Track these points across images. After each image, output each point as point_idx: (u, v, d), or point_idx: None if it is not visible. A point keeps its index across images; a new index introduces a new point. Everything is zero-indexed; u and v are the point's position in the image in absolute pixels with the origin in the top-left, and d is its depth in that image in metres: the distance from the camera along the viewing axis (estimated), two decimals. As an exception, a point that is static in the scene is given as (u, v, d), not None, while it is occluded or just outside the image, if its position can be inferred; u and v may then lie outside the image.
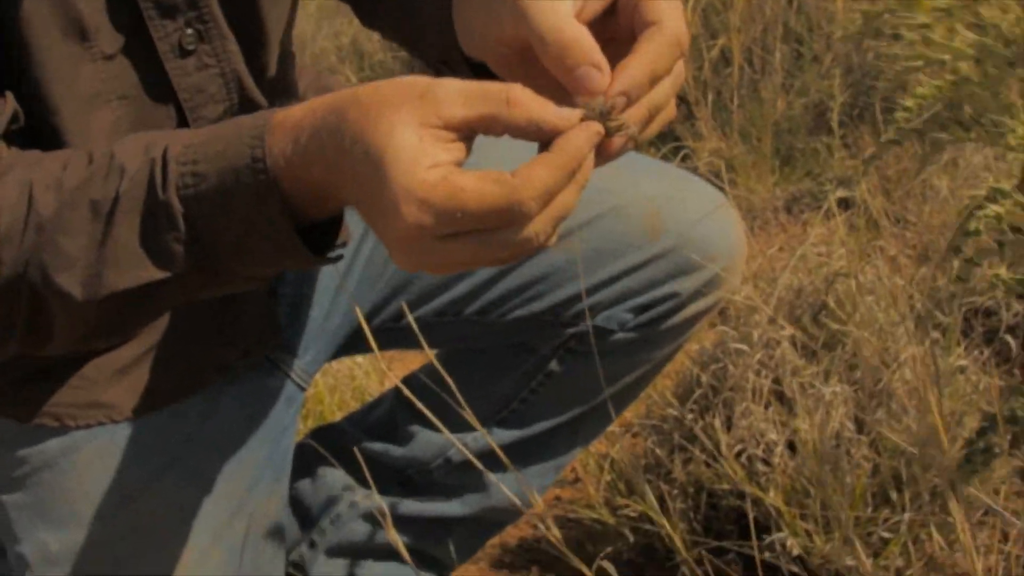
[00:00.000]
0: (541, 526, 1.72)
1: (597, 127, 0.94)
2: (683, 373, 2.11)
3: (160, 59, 1.23)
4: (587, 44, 0.97)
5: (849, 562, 1.81)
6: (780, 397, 1.96)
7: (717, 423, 1.95)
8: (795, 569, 1.85)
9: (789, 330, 1.94)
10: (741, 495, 1.91)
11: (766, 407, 1.93)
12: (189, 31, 1.23)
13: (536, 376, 1.68)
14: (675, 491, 2.03)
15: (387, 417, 1.80)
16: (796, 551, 1.83)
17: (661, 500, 2.06)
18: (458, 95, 0.93)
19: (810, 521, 1.83)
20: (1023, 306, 2.21)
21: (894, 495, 1.84)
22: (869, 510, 1.82)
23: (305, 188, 1.01)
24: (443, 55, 1.25)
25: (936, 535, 1.85)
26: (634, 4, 1.01)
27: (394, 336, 1.66)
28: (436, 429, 1.72)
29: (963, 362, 1.96)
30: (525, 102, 0.92)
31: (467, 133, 0.95)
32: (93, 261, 1.07)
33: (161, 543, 1.47)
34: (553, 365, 1.66)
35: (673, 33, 0.98)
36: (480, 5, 1.10)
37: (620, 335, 1.61)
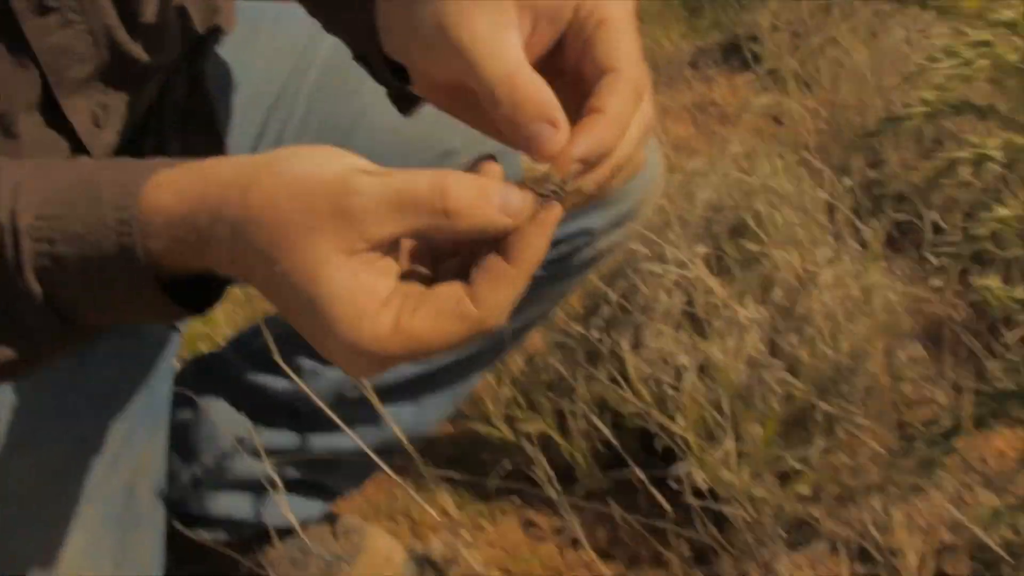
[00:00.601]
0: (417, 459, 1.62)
1: (555, 213, 0.77)
2: (591, 289, 2.00)
3: (15, 17, 1.04)
4: (542, 97, 0.79)
5: (758, 492, 1.74)
6: (693, 319, 1.86)
7: (624, 344, 1.86)
8: (699, 500, 1.78)
9: (703, 249, 1.83)
10: (647, 419, 1.83)
11: (677, 329, 1.84)
12: None
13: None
14: (578, 411, 1.93)
15: (285, 342, 1.67)
16: (703, 483, 1.76)
17: (562, 418, 1.97)
18: (383, 208, 0.76)
19: (719, 450, 1.76)
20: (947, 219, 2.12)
21: (807, 425, 1.77)
22: (781, 441, 1.74)
23: (197, 268, 0.86)
24: (361, 53, 1.09)
25: (847, 465, 1.79)
26: (585, 40, 0.84)
27: None
28: (327, 362, 1.62)
29: (882, 279, 1.87)
30: (466, 210, 0.76)
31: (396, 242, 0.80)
32: None
33: (30, 504, 1.35)
34: (454, 299, 1.54)
35: (634, 82, 0.82)
36: (414, 40, 0.91)
37: (526, 272, 1.49)
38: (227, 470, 1.69)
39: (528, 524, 1.97)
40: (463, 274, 0.78)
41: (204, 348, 2.27)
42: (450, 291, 0.77)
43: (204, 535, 1.75)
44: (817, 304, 1.79)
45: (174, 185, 0.82)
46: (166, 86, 1.24)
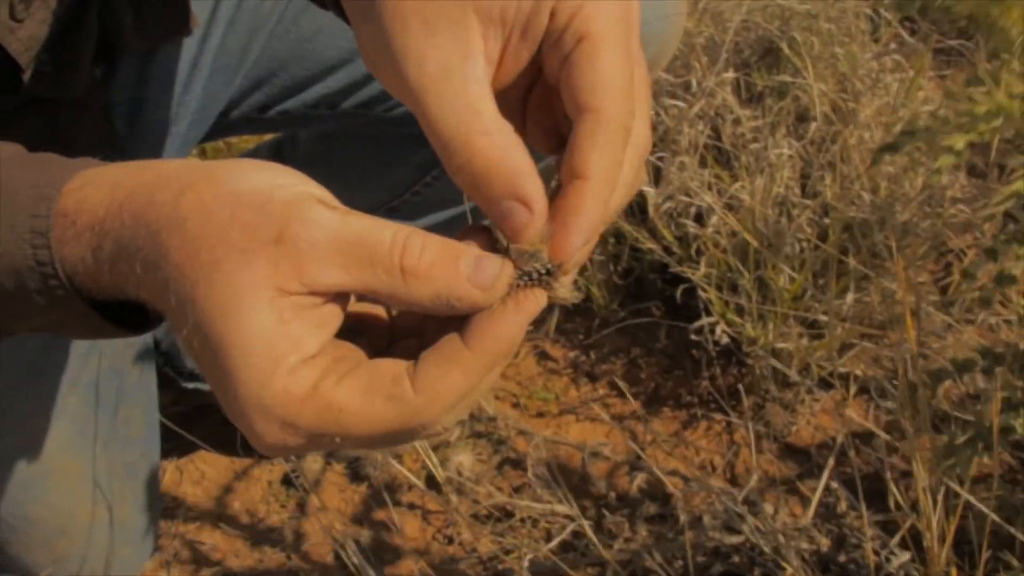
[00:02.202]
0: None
1: (538, 302, 0.63)
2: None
3: None
4: (509, 166, 0.63)
5: (783, 346, 1.65)
6: (719, 153, 1.72)
7: (646, 177, 1.72)
8: (723, 341, 1.69)
9: (732, 74, 1.66)
10: (667, 258, 1.71)
11: (702, 164, 1.69)
12: None
13: (434, 167, 1.44)
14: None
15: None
16: (723, 337, 1.66)
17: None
18: (333, 250, 0.61)
19: (743, 296, 1.65)
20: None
21: (839, 273, 1.65)
22: (809, 291, 1.63)
23: (118, 291, 0.70)
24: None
25: (879, 311, 1.69)
26: (563, 59, 0.66)
27: (259, 126, 1.41)
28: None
29: (928, 107, 1.70)
30: (425, 273, 0.61)
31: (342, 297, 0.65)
32: None
33: (3, 402, 1.28)
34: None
35: (619, 122, 0.65)
36: (365, 58, 0.71)
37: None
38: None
39: (542, 356, 1.89)
40: None
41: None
42: (390, 367, 0.63)
43: (202, 386, 1.68)
44: (855, 140, 1.64)
45: (107, 180, 0.68)
46: None
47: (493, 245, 0.64)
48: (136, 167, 0.68)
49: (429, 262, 0.62)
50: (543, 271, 0.63)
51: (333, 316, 0.64)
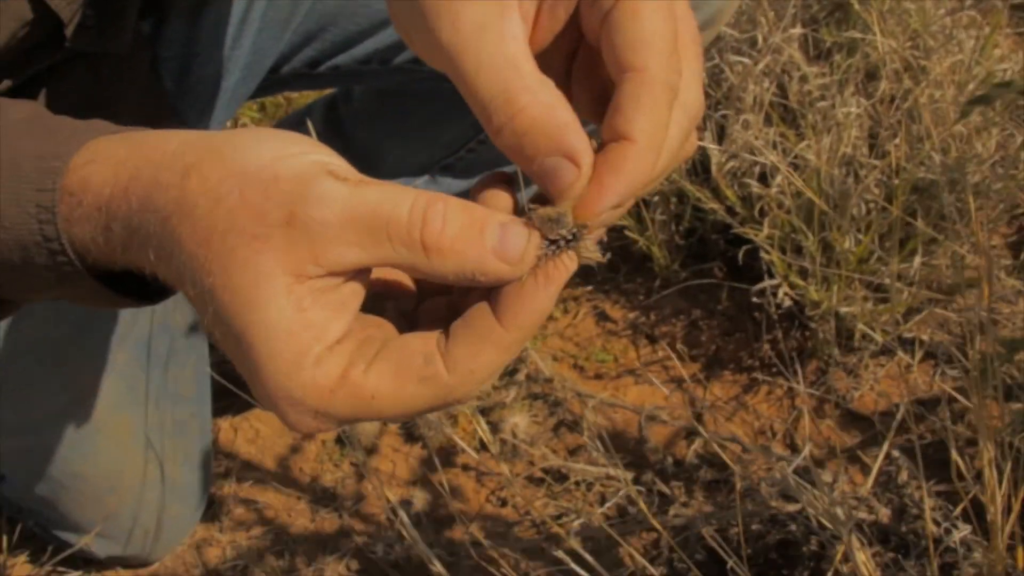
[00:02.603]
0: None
1: (567, 268, 0.59)
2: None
3: None
4: (555, 120, 0.59)
5: (848, 310, 1.60)
6: (784, 111, 1.67)
7: (708, 136, 1.68)
8: (786, 304, 1.65)
9: (800, 30, 1.61)
10: (729, 218, 1.67)
11: (766, 123, 1.65)
12: None
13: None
14: (653, 200, 1.78)
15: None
16: (786, 300, 1.62)
17: (636, 207, 1.82)
18: (350, 227, 0.58)
19: (806, 258, 1.61)
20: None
21: (906, 236, 1.60)
22: (876, 254, 1.58)
23: (135, 268, 0.67)
24: None
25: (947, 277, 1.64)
26: (604, 16, 0.62)
27: (311, 82, 1.39)
28: (373, 176, 1.50)
29: (1004, 65, 1.64)
30: (450, 248, 0.58)
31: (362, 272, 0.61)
32: None
33: (49, 358, 1.29)
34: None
35: (665, 82, 0.61)
36: (395, 17, 0.69)
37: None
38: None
39: (601, 316, 1.86)
40: (451, 318, 0.61)
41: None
42: (420, 344, 0.60)
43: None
44: (926, 98, 1.58)
45: (111, 159, 0.65)
46: None
47: (514, 195, 0.62)
48: (140, 140, 0.65)
49: (452, 235, 0.58)
50: (569, 236, 0.59)
51: (354, 294, 0.61)
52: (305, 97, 2.06)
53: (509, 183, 0.63)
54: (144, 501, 1.43)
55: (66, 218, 0.65)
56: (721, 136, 1.69)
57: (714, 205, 1.69)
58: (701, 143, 1.70)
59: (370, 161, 1.49)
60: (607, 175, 0.60)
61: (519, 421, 1.70)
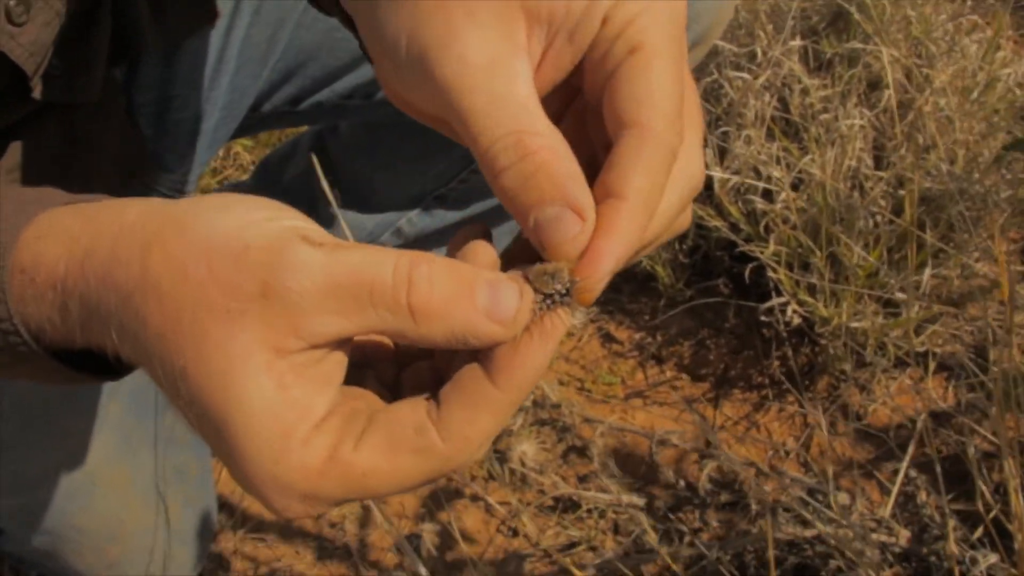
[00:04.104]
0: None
1: (562, 324, 0.56)
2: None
3: None
4: (563, 169, 0.56)
5: (858, 326, 1.57)
6: (787, 125, 1.64)
7: (709, 151, 1.65)
8: (795, 323, 1.62)
9: (799, 42, 1.58)
10: (734, 235, 1.64)
11: (769, 138, 1.62)
12: None
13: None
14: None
15: (302, 182, 1.51)
16: (795, 318, 1.59)
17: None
18: (330, 296, 0.54)
19: (814, 274, 1.58)
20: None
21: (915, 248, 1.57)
22: (884, 267, 1.55)
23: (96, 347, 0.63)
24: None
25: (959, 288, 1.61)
26: (610, 72, 0.59)
27: (294, 119, 1.36)
28: (365, 209, 1.47)
29: (1008, 70, 1.61)
30: (439, 312, 0.54)
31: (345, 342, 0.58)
32: None
33: (40, 418, 1.26)
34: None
35: (665, 144, 0.57)
36: (378, 49, 0.64)
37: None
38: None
39: (607, 338, 1.83)
40: (437, 382, 0.57)
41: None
42: (410, 414, 0.56)
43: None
44: (930, 107, 1.55)
45: (64, 233, 0.60)
46: None
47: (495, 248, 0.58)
48: (94, 213, 0.61)
49: (441, 298, 0.54)
50: (563, 291, 0.56)
51: (338, 365, 0.57)
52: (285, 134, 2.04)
53: (488, 235, 0.60)
54: (146, 548, 1.40)
55: (19, 297, 0.61)
56: (723, 154, 1.66)
57: (718, 223, 1.66)
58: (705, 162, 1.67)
59: (361, 193, 1.46)
60: (602, 238, 0.56)
61: (527, 449, 1.67)
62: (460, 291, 0.55)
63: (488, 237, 0.60)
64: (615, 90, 0.58)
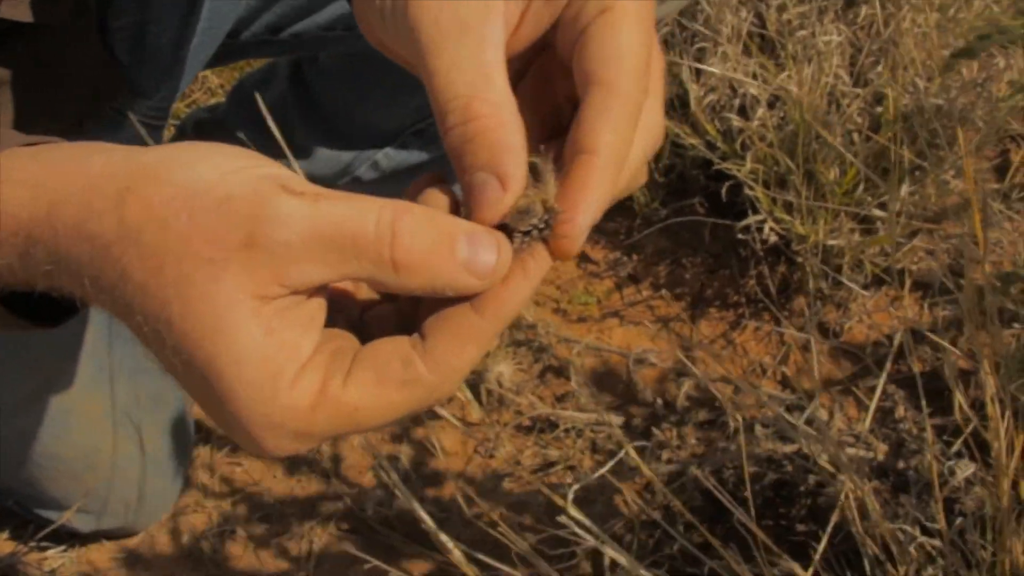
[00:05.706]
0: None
1: (543, 263, 0.59)
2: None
3: None
4: (502, 140, 0.58)
5: (834, 243, 1.57)
6: (763, 41, 1.62)
7: (684, 69, 1.63)
8: (772, 240, 1.62)
9: (777, -44, 1.56)
10: (710, 153, 1.63)
11: (745, 53, 1.60)
12: None
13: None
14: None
15: (278, 108, 1.48)
16: (772, 236, 1.58)
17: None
18: (312, 245, 0.56)
19: (791, 191, 1.57)
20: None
21: (892, 166, 1.56)
22: (861, 185, 1.55)
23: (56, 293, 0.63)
24: None
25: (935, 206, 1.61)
26: (580, 31, 0.61)
27: (274, 48, 1.33)
28: (342, 141, 1.45)
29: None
30: (419, 265, 0.56)
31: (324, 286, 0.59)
32: None
33: (21, 342, 1.25)
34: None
35: (631, 100, 0.60)
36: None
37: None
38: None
39: (582, 258, 1.82)
40: (402, 325, 0.60)
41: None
42: (393, 349, 0.58)
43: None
44: (908, 23, 1.54)
45: (27, 178, 0.60)
46: None
47: (452, 194, 0.62)
48: (57, 159, 0.61)
49: (422, 251, 0.56)
50: (541, 225, 0.59)
51: (319, 307, 0.59)
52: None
53: (445, 182, 0.62)
54: (123, 476, 1.40)
55: None
56: (699, 71, 1.64)
57: (694, 140, 1.65)
58: (679, 76, 1.66)
59: (338, 125, 1.44)
60: (578, 193, 0.59)
61: (504, 370, 1.67)
62: (440, 244, 0.57)
63: (446, 183, 0.62)
64: (585, 47, 0.61)
